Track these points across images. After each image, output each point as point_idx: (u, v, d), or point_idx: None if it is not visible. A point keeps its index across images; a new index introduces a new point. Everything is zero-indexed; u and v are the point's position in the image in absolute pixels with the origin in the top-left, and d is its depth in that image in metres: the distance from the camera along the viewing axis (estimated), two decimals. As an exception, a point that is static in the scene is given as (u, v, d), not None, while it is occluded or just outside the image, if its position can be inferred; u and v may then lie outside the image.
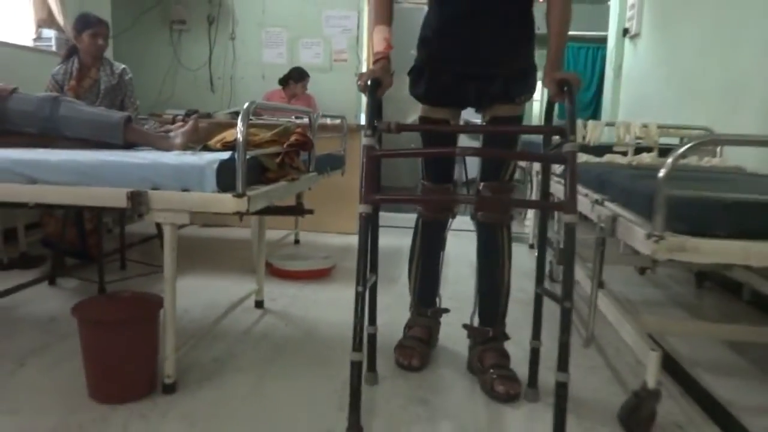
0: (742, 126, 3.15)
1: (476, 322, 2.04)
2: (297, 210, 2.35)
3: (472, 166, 2.10)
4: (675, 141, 3.48)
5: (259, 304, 2.69)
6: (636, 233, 1.52)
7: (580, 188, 2.27)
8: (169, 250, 1.75)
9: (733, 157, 3.09)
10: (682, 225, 1.42)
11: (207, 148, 2.19)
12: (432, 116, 1.94)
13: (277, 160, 2.14)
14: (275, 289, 2.88)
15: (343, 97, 5.56)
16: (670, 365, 2.11)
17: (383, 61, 1.79)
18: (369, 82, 1.69)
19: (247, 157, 1.74)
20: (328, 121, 3.90)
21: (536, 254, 1.95)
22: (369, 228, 1.64)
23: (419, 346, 2.10)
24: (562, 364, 1.42)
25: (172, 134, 2.31)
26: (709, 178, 2.06)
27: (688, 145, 1.42)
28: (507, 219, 1.98)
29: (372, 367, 1.96)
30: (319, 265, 3.31)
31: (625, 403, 1.67)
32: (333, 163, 3.08)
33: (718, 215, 1.41)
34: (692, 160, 3.04)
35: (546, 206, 2.11)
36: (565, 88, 1.59)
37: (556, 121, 1.88)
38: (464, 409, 1.81)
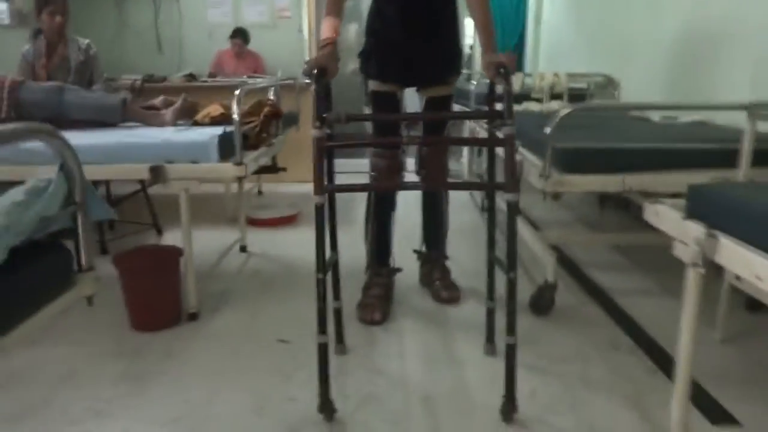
0: (634, 73, 3.78)
1: (423, 248, 2.61)
2: (273, 168, 2.85)
3: (413, 106, 2.51)
4: (584, 85, 4.11)
5: (243, 249, 3.20)
6: (532, 173, 2.12)
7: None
8: (184, 210, 2.23)
9: (631, 95, 3.74)
10: (564, 165, 2.02)
11: (196, 123, 2.64)
12: (381, 90, 2.27)
13: (256, 130, 2.61)
14: (253, 236, 3.37)
15: (287, 52, 5.87)
16: (571, 267, 2.80)
17: (330, 47, 1.87)
18: (314, 71, 1.72)
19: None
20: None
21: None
22: (324, 216, 1.66)
23: (379, 303, 2.32)
24: (510, 328, 1.61)
25: (162, 112, 2.73)
26: (593, 125, 2.64)
27: (560, 116, 1.99)
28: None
29: (340, 339, 2.09)
30: (286, 212, 3.83)
31: (532, 294, 2.32)
32: (289, 120, 3.54)
33: (588, 158, 2.02)
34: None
35: (489, 187, 2.35)
36: (502, 71, 1.68)
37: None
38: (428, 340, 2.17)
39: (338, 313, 2.09)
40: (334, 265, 2.04)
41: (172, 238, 3.28)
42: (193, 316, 2.33)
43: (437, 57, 2.27)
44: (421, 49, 2.23)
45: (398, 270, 2.50)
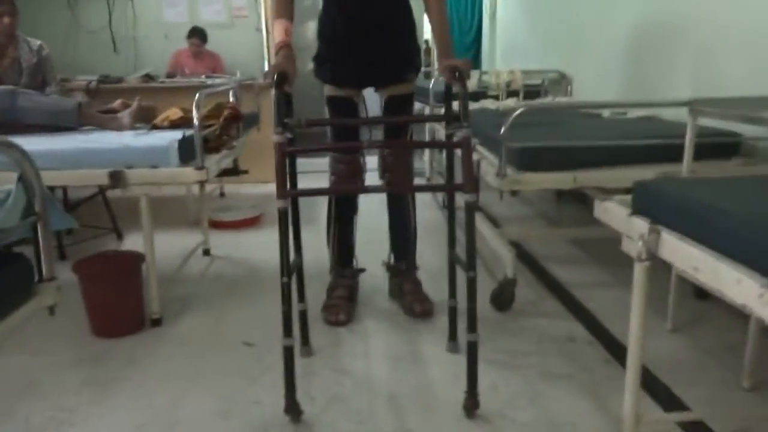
0: (586, 68, 3.89)
1: (391, 259, 2.53)
2: (235, 171, 2.84)
3: (373, 105, 2.53)
4: (539, 81, 4.21)
5: (206, 252, 3.19)
6: (489, 172, 2.18)
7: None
8: (145, 215, 2.22)
9: (584, 90, 3.85)
10: (519, 164, 2.08)
11: (155, 127, 2.61)
12: (337, 94, 2.26)
13: (216, 133, 2.60)
14: (216, 239, 3.33)
15: (245, 52, 5.83)
16: (530, 262, 2.88)
17: (285, 49, 1.90)
18: (275, 78, 1.74)
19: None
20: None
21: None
22: (287, 220, 1.67)
23: (344, 304, 2.33)
24: (471, 326, 1.66)
25: (119, 115, 2.70)
26: (546, 122, 2.70)
27: (513, 116, 2.04)
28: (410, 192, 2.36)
29: (306, 340, 2.09)
30: (249, 214, 3.83)
31: (493, 290, 2.38)
32: (250, 121, 3.53)
33: (541, 156, 2.09)
34: (547, 98, 3.77)
35: (447, 189, 2.36)
36: (457, 74, 1.79)
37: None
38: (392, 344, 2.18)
39: (303, 315, 2.10)
40: (299, 268, 2.06)
41: (132, 242, 3.24)
42: (157, 322, 2.32)
43: (391, 55, 2.25)
44: (374, 49, 2.21)
45: (362, 270, 2.51)
